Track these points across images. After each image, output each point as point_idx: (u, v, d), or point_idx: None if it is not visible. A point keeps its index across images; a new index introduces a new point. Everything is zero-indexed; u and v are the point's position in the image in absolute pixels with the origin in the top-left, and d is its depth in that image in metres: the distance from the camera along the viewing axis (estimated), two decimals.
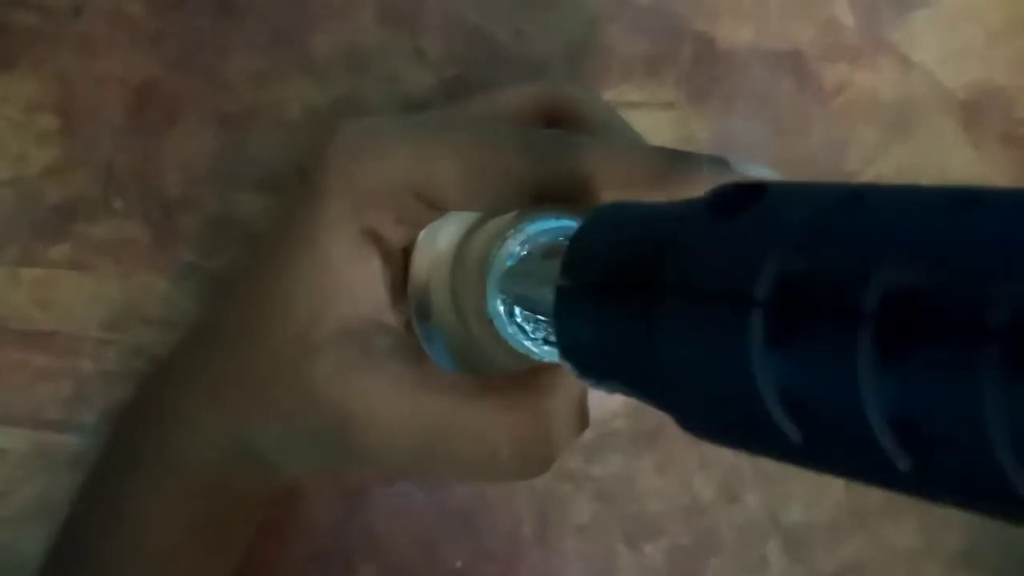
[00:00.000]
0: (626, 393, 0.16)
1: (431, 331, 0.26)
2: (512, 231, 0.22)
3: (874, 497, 0.34)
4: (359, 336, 0.24)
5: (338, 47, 0.33)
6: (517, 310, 0.22)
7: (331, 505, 0.33)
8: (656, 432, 0.34)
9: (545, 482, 0.34)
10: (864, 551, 0.35)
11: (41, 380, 0.31)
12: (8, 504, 0.31)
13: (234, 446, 0.26)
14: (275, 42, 0.32)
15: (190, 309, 0.32)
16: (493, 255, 0.22)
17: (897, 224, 0.11)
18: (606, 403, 0.24)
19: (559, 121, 0.27)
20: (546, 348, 0.22)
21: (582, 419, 0.23)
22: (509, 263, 0.21)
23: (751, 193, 0.13)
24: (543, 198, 0.22)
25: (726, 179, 0.21)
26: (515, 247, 0.21)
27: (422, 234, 0.26)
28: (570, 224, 0.22)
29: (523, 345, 0.22)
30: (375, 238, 0.24)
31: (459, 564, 0.33)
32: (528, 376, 0.23)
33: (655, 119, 0.33)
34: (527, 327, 0.22)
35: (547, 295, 0.17)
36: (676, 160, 0.21)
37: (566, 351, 0.17)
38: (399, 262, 0.26)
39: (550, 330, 0.22)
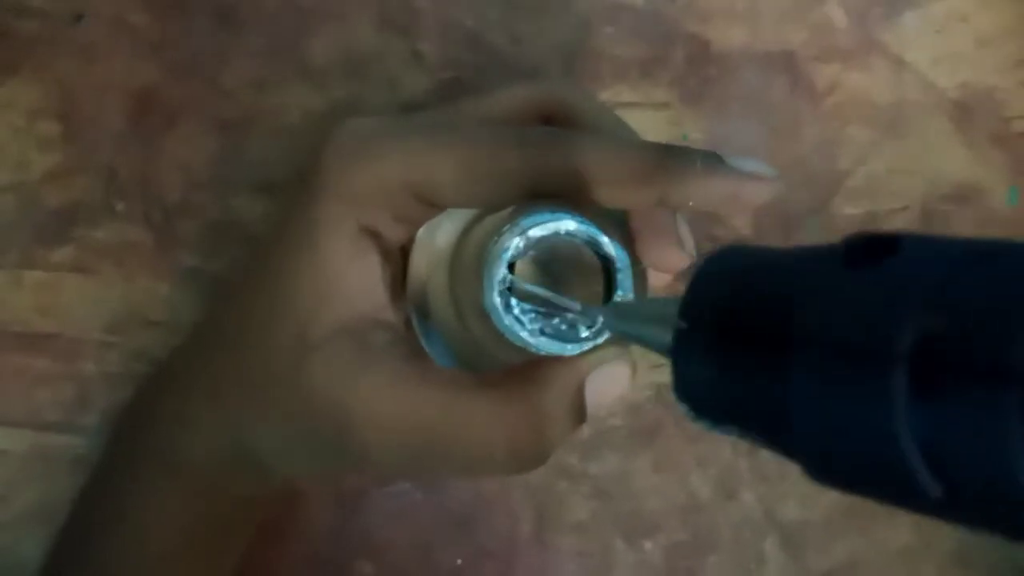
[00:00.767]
0: (745, 438, 0.16)
1: (430, 329, 0.26)
2: (508, 226, 0.22)
3: None
4: (358, 334, 0.24)
5: (336, 52, 0.33)
6: (514, 302, 0.22)
7: (330, 507, 0.33)
8: (653, 430, 0.34)
9: (542, 480, 0.34)
10: (860, 550, 0.35)
11: (43, 383, 0.32)
12: (8, 506, 0.31)
13: (234, 447, 0.26)
14: (274, 48, 0.33)
15: (191, 312, 0.32)
16: (489, 249, 0.22)
17: None
18: (603, 399, 0.24)
19: (554, 120, 0.27)
20: (543, 339, 0.22)
21: (579, 413, 0.23)
22: (506, 256, 0.22)
23: (886, 245, 0.13)
24: (539, 194, 0.22)
25: (719, 174, 0.22)
26: (511, 241, 0.22)
27: (420, 232, 0.26)
28: (565, 218, 0.22)
29: (520, 338, 0.22)
30: (373, 237, 0.24)
31: (459, 561, 0.33)
32: (524, 370, 0.23)
33: (649, 120, 0.34)
34: (524, 319, 0.22)
35: (662, 335, 0.17)
36: (669, 155, 0.22)
37: (682, 393, 0.17)
38: (397, 260, 0.26)
39: (547, 322, 0.22)
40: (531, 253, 0.22)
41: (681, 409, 0.17)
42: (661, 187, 0.22)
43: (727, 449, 0.34)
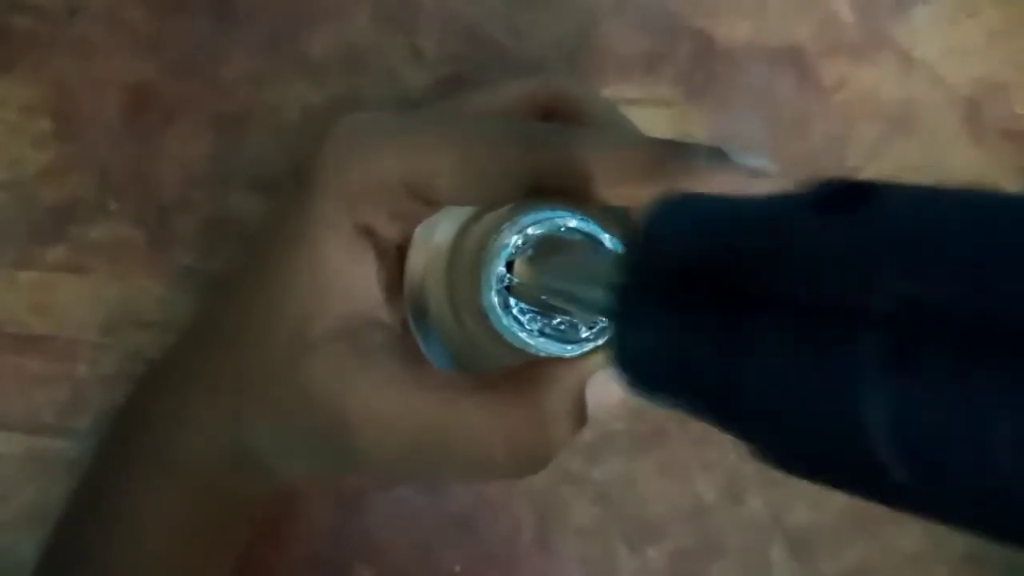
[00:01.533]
0: (689, 412, 0.14)
1: (427, 329, 0.26)
2: (507, 223, 0.21)
3: None
4: (354, 334, 0.24)
5: (335, 48, 0.33)
6: (512, 301, 0.21)
7: (329, 508, 0.33)
8: (657, 433, 0.34)
9: (545, 484, 0.33)
10: (869, 554, 0.34)
11: (37, 384, 0.31)
12: (4, 508, 0.31)
13: (232, 446, 0.26)
14: (272, 44, 0.32)
15: (187, 312, 0.32)
16: (488, 247, 0.21)
17: None
18: (606, 401, 0.23)
19: (555, 115, 0.27)
20: (541, 340, 0.22)
21: (580, 415, 0.23)
22: (504, 254, 0.21)
23: (859, 193, 0.12)
24: (539, 191, 0.22)
25: (723, 170, 0.21)
26: (510, 238, 0.21)
27: (417, 230, 0.26)
28: (565, 216, 0.21)
29: (518, 338, 0.21)
30: (369, 234, 0.24)
31: (457, 569, 0.33)
32: (524, 371, 0.23)
33: (653, 116, 0.33)
34: (522, 319, 0.21)
35: (596, 293, 0.16)
36: (673, 151, 0.21)
37: (622, 360, 0.15)
38: (394, 259, 0.26)
39: (546, 322, 0.22)
40: (530, 251, 0.22)
41: (618, 377, 0.15)
42: (664, 183, 0.21)
43: (733, 452, 0.34)
